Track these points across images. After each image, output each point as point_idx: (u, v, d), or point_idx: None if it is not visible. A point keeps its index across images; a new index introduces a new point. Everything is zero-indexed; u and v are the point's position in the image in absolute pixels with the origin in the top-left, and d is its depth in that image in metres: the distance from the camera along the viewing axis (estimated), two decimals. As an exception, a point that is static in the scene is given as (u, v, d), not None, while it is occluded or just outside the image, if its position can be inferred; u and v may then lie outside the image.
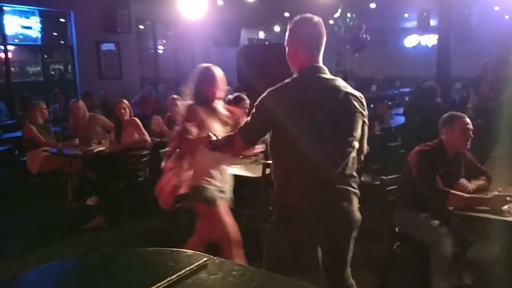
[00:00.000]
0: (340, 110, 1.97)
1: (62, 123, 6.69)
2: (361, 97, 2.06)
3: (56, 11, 8.62)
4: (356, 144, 2.02)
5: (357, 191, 2.03)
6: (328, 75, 2.03)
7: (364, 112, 2.05)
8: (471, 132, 2.89)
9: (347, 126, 1.99)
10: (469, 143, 2.92)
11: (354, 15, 9.35)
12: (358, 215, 2.03)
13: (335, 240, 2.05)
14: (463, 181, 2.81)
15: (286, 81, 2.02)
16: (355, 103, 2.00)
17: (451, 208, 2.64)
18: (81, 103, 5.38)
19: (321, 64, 2.04)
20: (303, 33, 2.06)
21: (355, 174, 2.05)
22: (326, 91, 1.98)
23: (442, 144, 2.93)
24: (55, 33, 9.19)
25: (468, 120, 2.92)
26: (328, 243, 2.08)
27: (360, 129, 2.04)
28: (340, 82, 2.03)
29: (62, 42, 9.03)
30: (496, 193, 2.63)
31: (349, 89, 2.02)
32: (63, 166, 5.21)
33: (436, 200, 2.73)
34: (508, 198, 2.51)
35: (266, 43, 15.68)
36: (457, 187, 2.75)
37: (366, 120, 2.07)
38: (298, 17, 2.08)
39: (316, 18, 2.05)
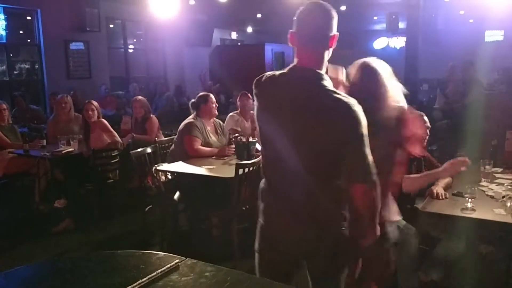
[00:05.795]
0: None
1: (29, 124, 6.52)
2: None
3: (22, 8, 8.37)
4: None
5: None
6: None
7: None
8: (427, 130, 2.98)
9: None
10: (425, 141, 3.01)
11: None
12: None
13: None
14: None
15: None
16: None
17: (418, 206, 2.71)
18: (69, 98, 5.50)
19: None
20: None
21: None
22: None
23: None
24: (21, 31, 8.92)
25: (425, 118, 3.02)
26: None
27: None
28: None
29: (29, 40, 8.77)
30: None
31: None
32: (30, 168, 5.09)
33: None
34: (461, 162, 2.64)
35: (239, 43, 15.69)
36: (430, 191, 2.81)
37: None
38: None
39: None
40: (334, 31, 1.74)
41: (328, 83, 1.70)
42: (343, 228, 1.73)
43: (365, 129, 1.64)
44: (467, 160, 2.72)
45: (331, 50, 1.75)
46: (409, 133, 2.28)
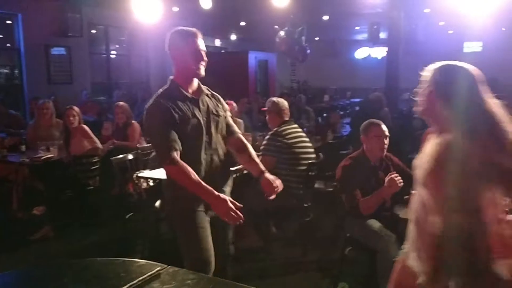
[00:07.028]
0: None
1: (8, 130, 6.39)
2: None
3: (2, 12, 8.25)
4: None
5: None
6: None
7: None
8: (385, 140, 3.00)
9: None
10: (384, 149, 3.03)
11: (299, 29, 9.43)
12: None
13: None
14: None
15: None
16: None
17: (398, 213, 2.75)
18: (51, 104, 5.43)
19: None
20: None
21: None
22: None
23: (363, 152, 3.07)
24: (0, 36, 8.79)
25: (383, 128, 3.02)
26: None
27: None
28: None
29: (9, 45, 8.65)
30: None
31: None
32: (8, 174, 4.98)
33: (354, 211, 2.93)
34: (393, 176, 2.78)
35: (223, 51, 15.71)
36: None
37: None
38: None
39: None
40: (177, 49, 2.23)
41: (165, 87, 2.29)
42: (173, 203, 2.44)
43: (151, 122, 2.18)
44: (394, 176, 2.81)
45: (183, 63, 2.24)
46: None
